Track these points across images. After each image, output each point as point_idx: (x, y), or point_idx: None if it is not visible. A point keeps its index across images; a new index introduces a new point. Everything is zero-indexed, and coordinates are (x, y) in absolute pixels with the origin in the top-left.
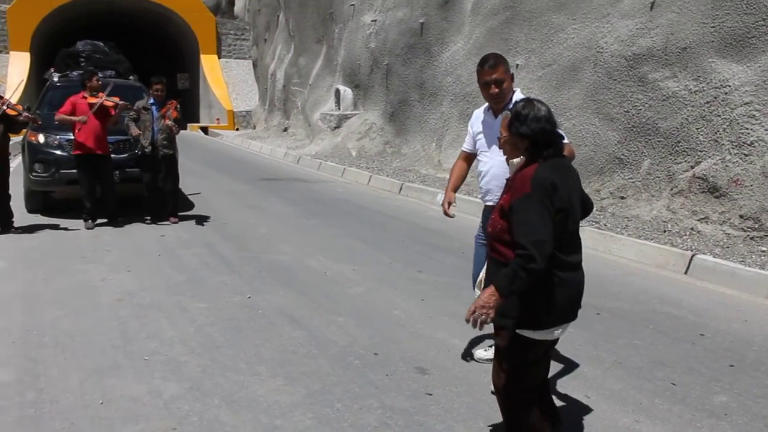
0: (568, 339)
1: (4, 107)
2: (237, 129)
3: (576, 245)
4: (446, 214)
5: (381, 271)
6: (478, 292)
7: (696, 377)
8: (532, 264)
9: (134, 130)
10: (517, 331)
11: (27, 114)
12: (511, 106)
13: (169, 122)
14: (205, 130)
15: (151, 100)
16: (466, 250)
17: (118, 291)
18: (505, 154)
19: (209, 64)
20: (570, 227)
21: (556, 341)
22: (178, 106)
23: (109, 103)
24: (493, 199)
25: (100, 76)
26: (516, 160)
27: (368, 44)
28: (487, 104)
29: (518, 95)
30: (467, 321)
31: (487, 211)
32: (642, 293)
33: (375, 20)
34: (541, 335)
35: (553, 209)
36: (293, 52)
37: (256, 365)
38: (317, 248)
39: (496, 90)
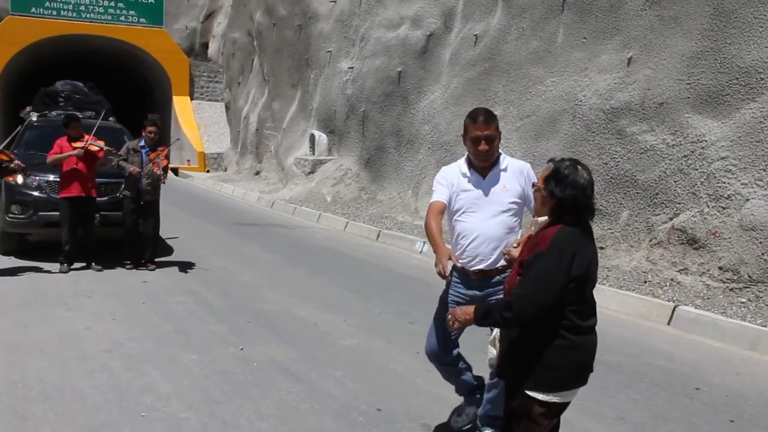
0: None
1: None
2: (208, 171)
3: (592, 309)
4: (444, 276)
5: (372, 322)
6: (491, 348)
7: None
8: (507, 313)
9: (133, 169)
10: (528, 392)
11: (18, 162)
12: (503, 166)
13: (158, 171)
14: (175, 171)
15: (142, 142)
16: None
17: (105, 341)
18: (534, 203)
19: (181, 105)
20: (587, 293)
21: (565, 407)
22: (169, 153)
23: (94, 148)
24: (484, 262)
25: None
26: (541, 220)
27: (344, 90)
28: (464, 161)
29: (503, 156)
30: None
31: (465, 276)
32: (633, 345)
33: (352, 67)
34: (552, 398)
35: (567, 275)
36: (267, 96)
37: (258, 422)
38: (304, 297)
39: (486, 147)
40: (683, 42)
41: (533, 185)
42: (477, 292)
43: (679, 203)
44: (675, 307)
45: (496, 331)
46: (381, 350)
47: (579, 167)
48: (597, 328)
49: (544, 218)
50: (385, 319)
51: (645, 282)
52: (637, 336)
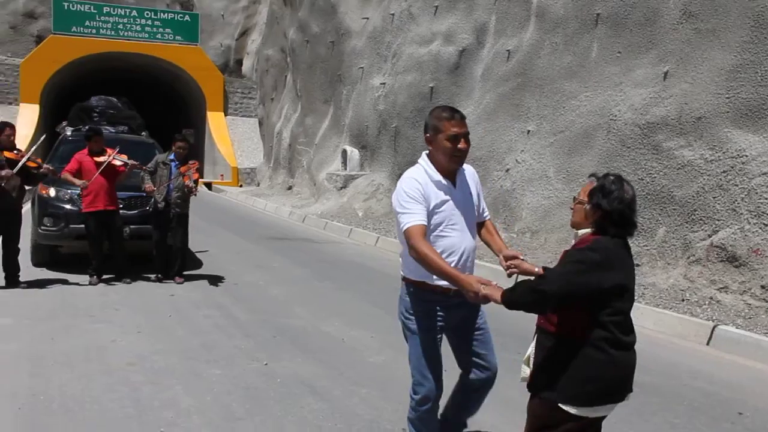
0: None
1: (24, 159)
2: (241, 186)
3: (631, 325)
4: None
5: (400, 338)
6: (525, 368)
7: None
8: (544, 287)
9: (148, 186)
10: (561, 405)
11: (47, 166)
12: (467, 171)
13: (190, 183)
14: (209, 185)
15: (172, 155)
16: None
17: (129, 354)
18: (573, 218)
19: (215, 120)
20: (628, 307)
21: (598, 424)
22: (198, 166)
23: (116, 163)
24: None
25: (111, 131)
26: (581, 232)
27: (377, 106)
28: (431, 166)
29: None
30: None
31: (445, 297)
32: (670, 366)
33: (384, 83)
34: (584, 412)
35: (604, 279)
36: (300, 111)
37: None
38: (332, 312)
39: (466, 146)
40: (721, 55)
41: (574, 198)
42: (460, 312)
43: (718, 220)
44: (715, 327)
45: (531, 350)
46: (408, 368)
47: (624, 183)
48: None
49: (586, 230)
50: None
51: (683, 300)
52: (674, 356)
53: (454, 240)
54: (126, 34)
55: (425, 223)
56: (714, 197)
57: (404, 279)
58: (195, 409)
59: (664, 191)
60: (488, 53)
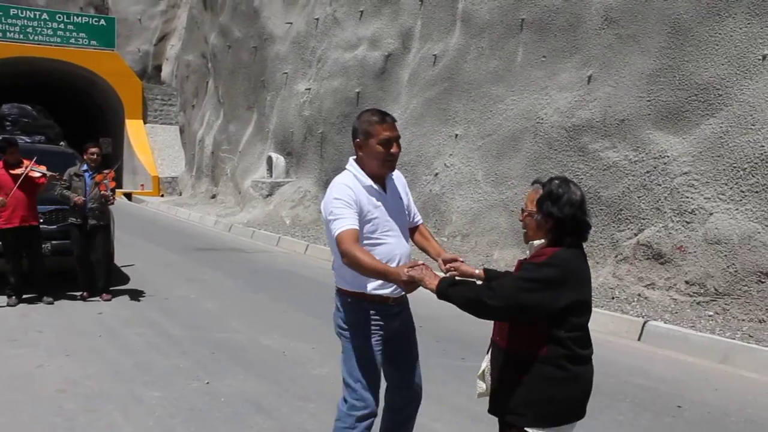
0: None
1: None
2: (162, 195)
3: (589, 338)
4: (415, 281)
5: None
6: (480, 383)
7: None
8: (489, 299)
9: (78, 198)
10: (527, 429)
11: None
12: (395, 176)
13: (107, 191)
14: (128, 196)
15: (84, 166)
16: (423, 324)
17: (58, 380)
18: (524, 228)
19: (134, 128)
20: (586, 320)
21: None
22: (114, 175)
23: (35, 174)
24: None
25: (27, 141)
26: (537, 243)
27: (302, 112)
28: (360, 172)
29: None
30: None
31: (384, 307)
32: (608, 364)
33: (309, 88)
34: None
35: (562, 297)
36: (223, 118)
37: None
38: (270, 325)
39: (398, 149)
40: (642, 60)
41: (522, 210)
42: (398, 321)
43: (643, 219)
44: (645, 323)
45: (486, 365)
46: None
47: (570, 184)
48: None
49: (540, 241)
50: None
51: (613, 298)
52: (610, 354)
53: (390, 247)
54: (36, 38)
55: (357, 228)
56: (639, 197)
57: (340, 290)
58: None
59: (591, 192)
60: (414, 58)
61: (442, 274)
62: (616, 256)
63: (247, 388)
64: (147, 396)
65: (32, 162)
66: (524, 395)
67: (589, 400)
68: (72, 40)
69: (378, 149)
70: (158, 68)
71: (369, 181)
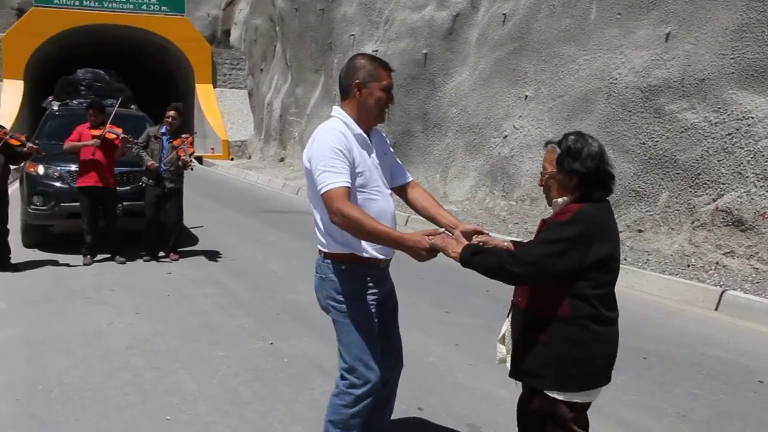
0: (622, 387)
1: (6, 138)
2: (232, 159)
3: (615, 299)
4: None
5: (406, 312)
6: (500, 346)
7: None
8: (512, 266)
9: (151, 163)
10: (548, 393)
11: (31, 145)
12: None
13: (185, 156)
14: (199, 159)
15: (163, 129)
16: (491, 289)
17: (128, 337)
18: (545, 192)
19: (204, 93)
20: (613, 278)
21: (588, 407)
22: (193, 140)
23: (111, 136)
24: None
25: (107, 103)
26: (560, 200)
27: None
28: (351, 126)
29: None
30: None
31: (378, 271)
32: (683, 334)
33: (376, 50)
34: (575, 398)
35: (586, 252)
36: (290, 82)
37: (291, 426)
38: None
39: (394, 101)
40: (726, 14)
41: (542, 174)
42: (387, 285)
43: (723, 183)
44: (723, 292)
45: (506, 328)
46: (418, 343)
47: (587, 137)
48: (641, 314)
49: (563, 199)
50: (420, 309)
51: (688, 266)
52: (686, 323)
53: (382, 204)
54: (110, 5)
55: (350, 185)
56: (719, 160)
57: (327, 256)
58: (201, 394)
59: (667, 155)
60: (483, 17)
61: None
62: (692, 222)
63: (310, 349)
64: (212, 355)
65: (109, 124)
66: (545, 357)
67: (613, 365)
68: (144, 6)
69: (380, 95)
70: (227, 33)
71: (359, 129)
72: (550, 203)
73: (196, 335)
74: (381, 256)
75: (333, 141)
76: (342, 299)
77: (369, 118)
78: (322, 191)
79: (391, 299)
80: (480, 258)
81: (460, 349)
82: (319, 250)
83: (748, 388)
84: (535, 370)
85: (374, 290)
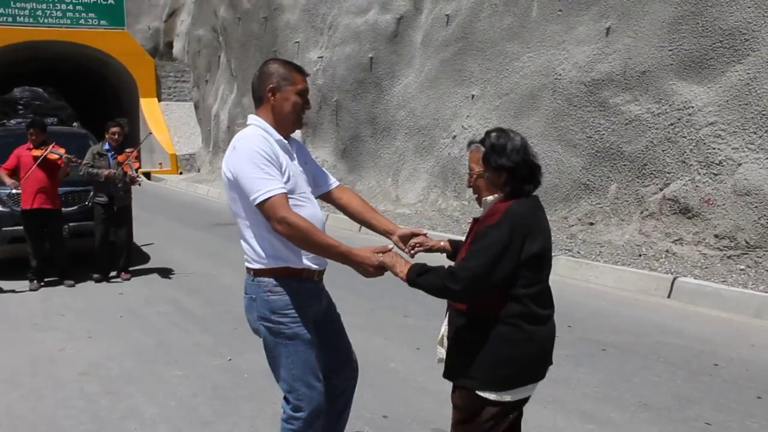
0: (584, 380)
1: None
2: (181, 173)
3: (550, 296)
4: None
5: (364, 318)
6: (440, 349)
7: (728, 414)
8: (452, 284)
9: (108, 171)
10: (478, 392)
11: None
12: (296, 142)
13: (131, 172)
14: (147, 175)
15: (106, 146)
16: None
17: (81, 363)
18: (475, 193)
19: (149, 107)
20: (545, 276)
21: (520, 407)
22: (139, 154)
23: (53, 156)
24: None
25: (47, 122)
26: (490, 198)
27: (315, 81)
28: (271, 132)
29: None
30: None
31: (314, 285)
32: (639, 324)
33: (321, 57)
34: (505, 397)
35: (519, 251)
36: (236, 92)
37: None
38: None
39: (310, 105)
40: (662, 8)
41: (469, 175)
42: (325, 299)
43: (669, 173)
44: (674, 279)
45: (444, 329)
46: (379, 349)
47: (509, 132)
48: (597, 306)
49: (493, 196)
50: (379, 314)
51: (640, 255)
52: (641, 313)
53: (311, 210)
54: (46, 20)
55: (286, 191)
56: (663, 150)
57: (257, 273)
58: (160, 417)
59: (614, 147)
60: (426, 19)
61: (408, 258)
62: (641, 213)
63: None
64: (169, 375)
65: (52, 144)
66: (477, 357)
67: (548, 361)
68: (82, 21)
69: (296, 99)
70: (169, 45)
71: (278, 135)
72: (480, 203)
73: (151, 356)
74: (315, 266)
75: (258, 146)
76: (277, 318)
77: (286, 124)
78: (259, 200)
79: (331, 311)
80: (424, 278)
81: (421, 353)
82: (248, 269)
83: (705, 372)
84: (466, 370)
85: (310, 305)
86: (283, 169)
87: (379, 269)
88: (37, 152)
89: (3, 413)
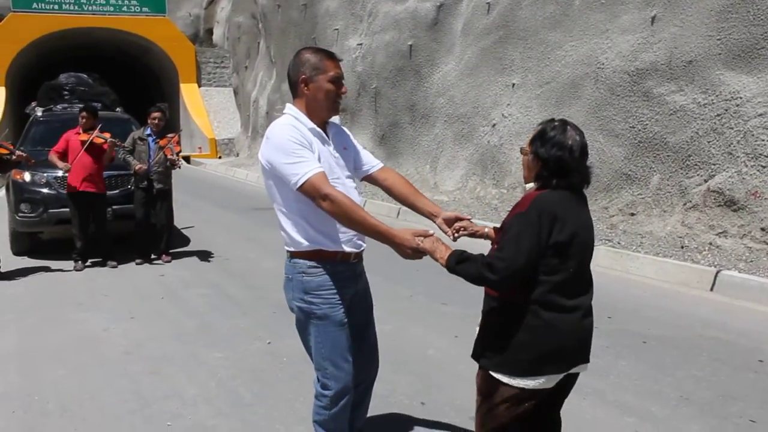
0: (624, 372)
1: None
2: (220, 157)
3: (581, 287)
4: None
5: (403, 305)
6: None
7: None
8: (490, 274)
9: (139, 166)
10: (491, 373)
11: (19, 153)
12: (337, 126)
13: (172, 156)
14: (187, 159)
15: (148, 130)
16: None
17: (124, 342)
18: (523, 172)
19: (189, 92)
20: (570, 266)
21: (542, 393)
22: (179, 140)
23: (98, 140)
24: (363, 238)
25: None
26: (529, 186)
27: (354, 68)
28: (303, 120)
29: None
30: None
31: (348, 266)
32: (681, 316)
33: (361, 44)
34: (520, 382)
35: (544, 239)
36: (275, 78)
37: (294, 426)
38: None
39: (345, 89)
40: None
41: (521, 149)
42: (361, 282)
43: (714, 164)
44: (718, 272)
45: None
46: (417, 336)
47: (568, 127)
48: (638, 298)
49: (532, 185)
50: (418, 301)
51: (682, 247)
52: (682, 306)
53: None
54: (90, 8)
55: (322, 168)
56: (709, 141)
57: (293, 255)
58: (201, 398)
59: (657, 138)
60: (467, 7)
61: (450, 242)
62: (684, 204)
63: None
64: (209, 357)
65: (97, 129)
66: (495, 339)
67: (583, 357)
68: (124, 8)
69: (329, 87)
70: (210, 31)
71: (311, 124)
72: (525, 182)
73: (192, 338)
74: (350, 250)
75: (288, 133)
76: (309, 299)
77: (321, 112)
78: (300, 182)
79: (366, 299)
80: (463, 266)
81: (459, 341)
82: (286, 250)
83: (749, 369)
84: (486, 351)
85: (344, 287)
86: (315, 155)
87: (418, 252)
88: (84, 137)
89: (51, 389)
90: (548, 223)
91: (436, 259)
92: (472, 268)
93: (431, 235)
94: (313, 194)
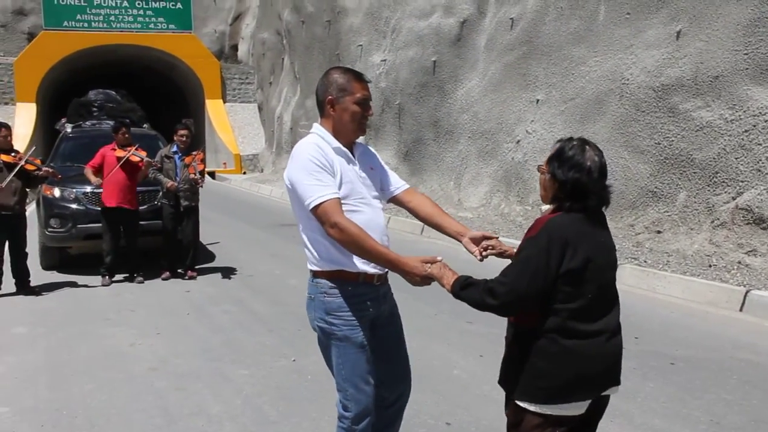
0: (652, 395)
1: (22, 162)
2: (244, 173)
3: (604, 308)
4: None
5: (427, 323)
6: None
7: None
8: (490, 299)
9: (171, 183)
10: (517, 402)
11: (47, 168)
12: (363, 147)
13: (195, 174)
14: (212, 174)
15: (174, 148)
16: None
17: (150, 358)
18: (540, 188)
19: (214, 108)
20: (588, 291)
21: (566, 423)
22: (204, 156)
23: (135, 159)
24: None
25: (111, 124)
26: (544, 207)
27: (378, 84)
28: (329, 140)
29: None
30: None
31: (371, 288)
32: (710, 338)
33: (384, 60)
34: (545, 410)
35: (555, 266)
36: (300, 94)
37: None
38: None
39: (372, 111)
40: (737, 10)
41: (538, 168)
42: (387, 304)
43: (742, 181)
44: (747, 292)
45: None
46: (442, 355)
47: (587, 147)
48: (665, 318)
49: (548, 207)
50: (442, 320)
51: (710, 266)
52: (711, 326)
53: (368, 216)
54: (119, 25)
55: (339, 196)
56: (736, 158)
57: (316, 274)
58: (226, 416)
59: (683, 155)
60: (490, 23)
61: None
62: (712, 222)
63: None
64: (235, 374)
65: (135, 147)
66: (518, 367)
67: (603, 379)
68: (151, 25)
69: (354, 108)
70: (235, 48)
71: (337, 143)
72: (543, 201)
73: (218, 354)
74: (373, 271)
75: (311, 154)
76: (330, 320)
77: (346, 132)
78: (313, 205)
79: (394, 321)
80: (466, 292)
81: (485, 360)
82: (309, 269)
83: None
84: (509, 378)
85: (365, 309)
86: (337, 175)
87: (426, 279)
88: (120, 153)
89: (79, 403)
90: (559, 249)
91: (443, 285)
92: (474, 293)
93: (439, 260)
94: (323, 219)
